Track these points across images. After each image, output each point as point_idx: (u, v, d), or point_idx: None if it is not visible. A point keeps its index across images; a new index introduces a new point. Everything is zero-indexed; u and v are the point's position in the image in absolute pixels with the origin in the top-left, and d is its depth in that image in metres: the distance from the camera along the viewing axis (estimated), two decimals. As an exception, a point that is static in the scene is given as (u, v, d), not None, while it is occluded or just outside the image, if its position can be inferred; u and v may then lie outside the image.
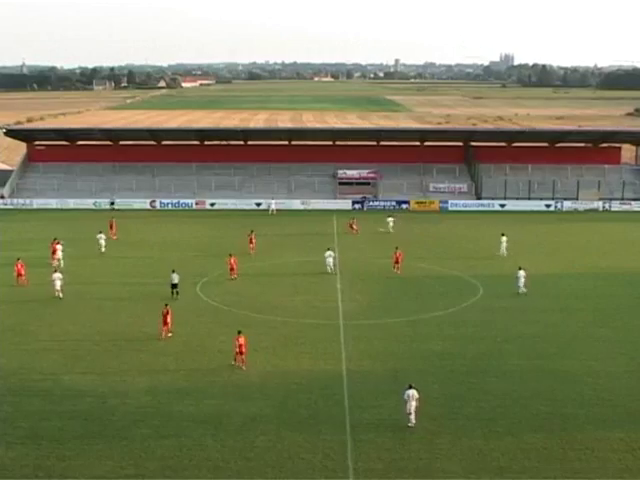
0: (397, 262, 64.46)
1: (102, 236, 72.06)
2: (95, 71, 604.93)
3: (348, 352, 45.32)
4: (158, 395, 39.13)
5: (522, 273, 58.37)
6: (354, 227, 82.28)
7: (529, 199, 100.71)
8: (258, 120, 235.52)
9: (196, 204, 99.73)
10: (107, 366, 43.10)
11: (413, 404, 35.84)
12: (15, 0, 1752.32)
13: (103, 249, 71.08)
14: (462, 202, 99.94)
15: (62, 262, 66.03)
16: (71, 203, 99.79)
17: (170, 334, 47.98)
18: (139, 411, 37.32)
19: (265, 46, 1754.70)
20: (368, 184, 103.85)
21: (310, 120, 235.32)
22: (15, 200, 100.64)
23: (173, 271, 57.63)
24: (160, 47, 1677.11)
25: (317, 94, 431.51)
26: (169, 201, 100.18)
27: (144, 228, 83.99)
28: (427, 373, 42.29)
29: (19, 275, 60.51)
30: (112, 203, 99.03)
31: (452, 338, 48.27)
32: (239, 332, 43.16)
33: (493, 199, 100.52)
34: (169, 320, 48.04)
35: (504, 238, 71.40)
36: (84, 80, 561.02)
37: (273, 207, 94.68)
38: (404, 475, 31.89)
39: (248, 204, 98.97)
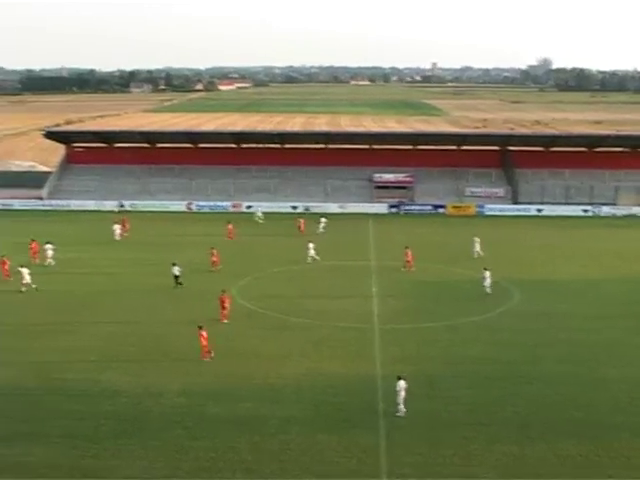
0: (408, 261, 66.18)
1: (50, 246, 69.08)
2: (133, 74, 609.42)
3: (382, 356, 45.32)
4: (192, 397, 39.39)
5: (488, 274, 58.90)
6: (302, 228, 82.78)
7: (566, 204, 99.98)
8: (295, 123, 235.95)
9: (232, 207, 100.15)
10: (142, 367, 43.46)
11: (403, 394, 37.14)
12: (56, 4, 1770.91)
13: (52, 262, 68.38)
14: (499, 207, 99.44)
15: (53, 261, 67.37)
16: (108, 205, 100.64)
17: (226, 320, 51.25)
18: (173, 412, 37.62)
19: (302, 49, 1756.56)
20: (404, 188, 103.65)
21: (347, 124, 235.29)
22: (53, 201, 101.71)
23: (174, 264, 60.86)
24: (198, 50, 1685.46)
25: (354, 97, 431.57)
26: (205, 203, 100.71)
27: (180, 230, 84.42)
28: (461, 378, 42.18)
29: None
30: (121, 206, 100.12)
31: (487, 343, 48.09)
32: (200, 327, 44.79)
33: (530, 204, 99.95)
34: (227, 305, 51.82)
35: (477, 239, 72.28)
36: (122, 83, 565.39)
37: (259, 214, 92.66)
38: (437, 480, 31.89)
39: (284, 207, 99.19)
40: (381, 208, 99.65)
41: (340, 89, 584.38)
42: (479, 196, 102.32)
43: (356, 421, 36.76)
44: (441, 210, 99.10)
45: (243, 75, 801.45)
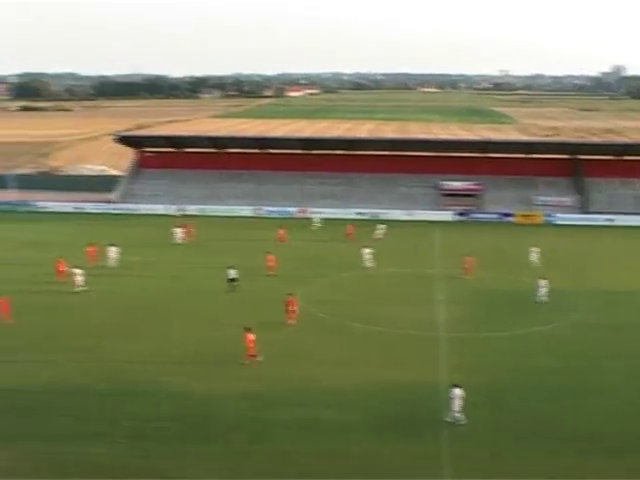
0: (467, 269, 66.31)
1: (113, 249, 70.08)
2: (203, 80, 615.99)
3: (446, 364, 45.05)
4: (255, 401, 39.64)
5: (543, 283, 58.51)
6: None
7: (637, 214, 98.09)
8: (363, 130, 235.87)
9: (299, 212, 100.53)
10: (206, 370, 43.88)
11: (458, 403, 37.11)
12: (129, 11, 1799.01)
13: (114, 262, 69.72)
14: (568, 216, 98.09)
15: (115, 263, 69.16)
16: (177, 209, 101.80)
17: (291, 322, 52.20)
18: (236, 416, 37.92)
19: (370, 56, 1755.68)
20: (472, 196, 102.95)
21: (415, 131, 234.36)
22: (124, 205, 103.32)
23: (230, 267, 61.83)
24: (268, 57, 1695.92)
25: (422, 105, 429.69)
26: (273, 209, 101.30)
27: (246, 235, 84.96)
28: (525, 388, 41.73)
29: (59, 271, 63.44)
30: (180, 210, 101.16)
31: (553, 354, 47.48)
32: (248, 329, 45.12)
33: (600, 213, 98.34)
34: (293, 308, 52.60)
35: (534, 248, 71.61)
36: (193, 89, 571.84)
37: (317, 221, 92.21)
38: (499, 491, 31.60)
39: (350, 213, 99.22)
40: (448, 216, 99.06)
41: (408, 95, 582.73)
42: (548, 205, 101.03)
43: (418, 429, 36.62)
44: (509, 219, 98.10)
45: (312, 81, 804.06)
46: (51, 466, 33.13)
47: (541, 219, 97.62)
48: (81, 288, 60.50)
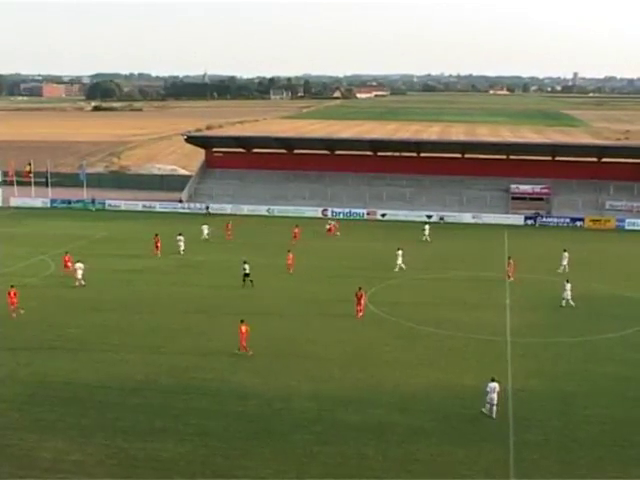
0: (510, 270, 66.46)
1: (181, 238, 75.72)
2: (273, 81, 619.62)
3: (514, 370, 44.45)
4: (321, 402, 39.55)
5: (569, 286, 58.10)
6: (332, 230, 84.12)
7: None
8: (431, 132, 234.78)
9: (367, 214, 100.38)
10: (273, 370, 43.96)
11: (494, 396, 37.68)
12: (200, 15, 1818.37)
13: (181, 251, 74.93)
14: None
15: (182, 252, 73.81)
16: (245, 209, 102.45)
17: (361, 314, 54.03)
18: (302, 416, 37.84)
19: (440, 58, 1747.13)
20: (541, 200, 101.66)
21: (484, 133, 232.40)
22: (192, 204, 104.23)
23: (245, 262, 63.18)
24: (337, 58, 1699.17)
25: (492, 107, 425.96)
26: (340, 210, 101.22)
27: (315, 236, 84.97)
28: (597, 396, 40.89)
29: (66, 267, 65.37)
30: (207, 208, 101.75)
31: (624, 361, 46.48)
32: (242, 321, 46.44)
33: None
34: (363, 302, 54.39)
35: (565, 254, 70.20)
36: (262, 90, 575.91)
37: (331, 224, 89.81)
38: (569, 500, 30.99)
39: (419, 216, 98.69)
40: (517, 219, 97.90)
41: (478, 98, 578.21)
42: (620, 210, 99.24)
43: (485, 435, 36.13)
44: (579, 223, 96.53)
45: (381, 83, 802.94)
46: (120, 461, 33.47)
47: (613, 224, 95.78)
48: (81, 282, 62.02)
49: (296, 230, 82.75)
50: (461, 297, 61.19)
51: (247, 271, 62.76)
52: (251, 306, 57.31)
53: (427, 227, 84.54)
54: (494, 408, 38.08)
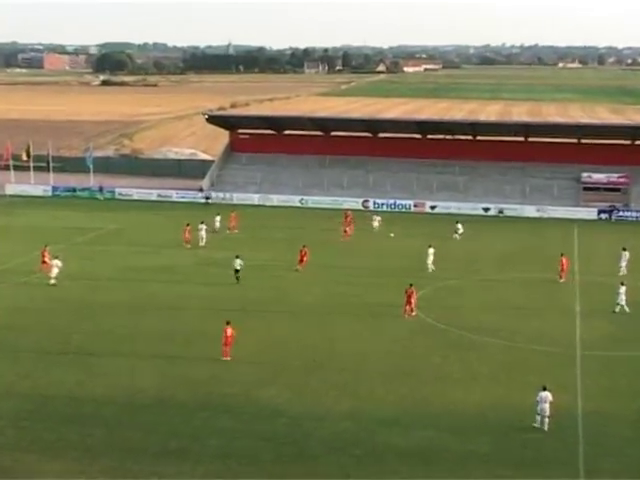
0: (562, 270, 66.82)
1: (203, 227, 78.34)
2: (307, 53, 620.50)
3: (585, 388, 44.22)
4: (360, 421, 39.56)
5: (623, 289, 58.17)
6: (347, 230, 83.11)
7: None
8: (490, 112, 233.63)
9: (414, 206, 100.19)
10: (306, 384, 44.08)
11: (546, 407, 38.48)
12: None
13: (204, 242, 77.56)
14: None
15: (204, 242, 77.15)
16: (274, 199, 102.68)
17: (414, 313, 55.97)
18: (338, 438, 37.87)
19: (501, 26, 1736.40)
20: (618, 190, 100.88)
21: (551, 113, 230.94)
22: (214, 194, 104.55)
23: (237, 257, 64.64)
24: (381, 27, 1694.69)
25: (561, 83, 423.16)
26: (384, 201, 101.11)
27: (356, 231, 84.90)
28: (681, 419, 40.58)
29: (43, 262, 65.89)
30: (207, 198, 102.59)
31: None
32: (228, 322, 47.47)
33: None
34: (413, 301, 56.05)
35: (625, 253, 70.03)
36: (294, 62, 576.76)
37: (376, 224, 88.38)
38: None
39: (474, 208, 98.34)
40: (589, 213, 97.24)
41: (544, 72, 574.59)
42: None
43: (549, 462, 35.95)
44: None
45: (432, 55, 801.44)
46: (129, 486, 33.77)
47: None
48: (54, 281, 62.75)
49: (348, 219, 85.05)
50: (522, 302, 60.95)
51: (238, 267, 64.23)
52: (279, 308, 57.67)
53: (460, 225, 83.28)
54: (546, 420, 38.50)
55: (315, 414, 40.29)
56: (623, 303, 58.08)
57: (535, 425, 38.64)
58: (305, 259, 68.87)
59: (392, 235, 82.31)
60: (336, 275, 67.84)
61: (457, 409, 41.17)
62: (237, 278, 64.37)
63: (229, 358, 47.10)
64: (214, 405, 41.21)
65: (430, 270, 68.77)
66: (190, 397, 42.12)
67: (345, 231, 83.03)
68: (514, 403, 41.83)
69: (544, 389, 39.16)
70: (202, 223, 78.29)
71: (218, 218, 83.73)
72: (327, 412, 40.53)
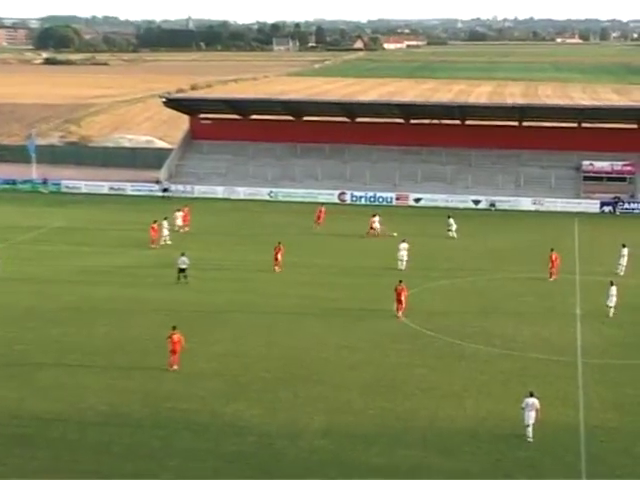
0: (552, 267, 67.71)
1: (165, 224, 78.46)
2: (276, 28, 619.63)
3: (588, 400, 44.44)
4: (337, 439, 39.58)
5: (614, 290, 58.38)
6: (373, 227, 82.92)
7: None
8: (480, 93, 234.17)
9: (397, 199, 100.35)
10: (276, 398, 44.06)
11: (532, 414, 39.09)
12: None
13: (167, 240, 77.58)
14: None
15: (169, 241, 76.74)
16: (241, 192, 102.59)
17: (400, 313, 57.14)
18: (312, 457, 37.89)
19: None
20: (623, 180, 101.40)
21: (548, 95, 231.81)
22: (173, 186, 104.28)
23: (182, 254, 65.27)
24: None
25: (559, 60, 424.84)
26: (362, 194, 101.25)
27: (331, 227, 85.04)
28: (694, 434, 40.88)
29: None
30: (165, 190, 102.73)
31: None
32: (174, 328, 47.60)
33: None
34: (404, 299, 57.39)
35: (625, 249, 70.46)
36: (262, 39, 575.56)
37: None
38: None
39: (463, 201, 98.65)
40: (590, 206, 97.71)
41: (541, 49, 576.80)
42: None
43: (550, 483, 36.21)
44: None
45: (415, 30, 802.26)
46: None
47: None
48: None
49: (322, 209, 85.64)
50: (518, 305, 61.28)
51: (183, 266, 64.64)
52: (246, 313, 57.76)
53: (452, 221, 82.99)
54: (529, 429, 39.13)
55: (287, 431, 40.28)
56: (612, 305, 58.16)
57: (529, 440, 39.02)
58: (279, 258, 69.05)
59: (395, 234, 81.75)
60: (309, 276, 67.97)
61: (445, 425, 41.29)
62: (184, 278, 64.77)
63: (177, 367, 47.14)
64: (174, 422, 41.12)
65: (401, 268, 69.05)
66: (147, 414, 42.04)
67: (317, 222, 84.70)
68: (509, 418, 41.89)
69: (531, 395, 39.67)
70: (165, 220, 78.29)
71: (179, 214, 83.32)
72: (300, 429, 40.55)
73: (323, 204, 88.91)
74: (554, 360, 50.15)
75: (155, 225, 76.47)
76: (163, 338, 51.42)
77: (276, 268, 68.69)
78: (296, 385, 45.81)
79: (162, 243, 76.55)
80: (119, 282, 65.49)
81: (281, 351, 50.95)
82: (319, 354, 50.47)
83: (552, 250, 68.58)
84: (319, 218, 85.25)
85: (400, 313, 57.14)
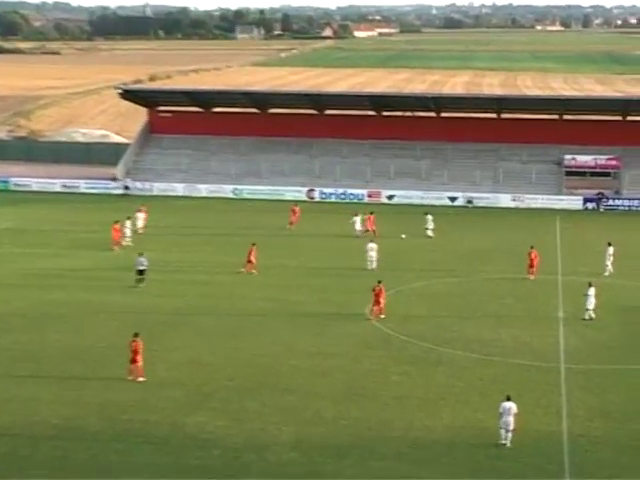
0: (532, 265, 68.19)
1: (128, 224, 78.32)
2: (239, 14, 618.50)
3: (572, 408, 44.56)
4: (307, 451, 39.52)
5: (592, 291, 58.45)
6: (371, 227, 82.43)
7: None
8: (456, 84, 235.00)
9: (368, 196, 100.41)
10: (242, 409, 43.92)
11: (510, 420, 39.40)
12: None
13: (129, 241, 77.36)
14: None
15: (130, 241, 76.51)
16: (203, 190, 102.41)
17: (383, 315, 57.57)
18: (281, 471, 37.77)
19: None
20: (607, 175, 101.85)
21: (528, 85, 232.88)
22: (131, 183, 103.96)
23: (141, 254, 65.70)
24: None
25: (539, 49, 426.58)
26: (332, 191, 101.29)
27: (299, 226, 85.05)
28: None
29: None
30: (126, 187, 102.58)
31: None
32: (136, 335, 47.53)
33: None
34: (382, 300, 57.63)
35: (610, 249, 70.64)
36: (224, 26, 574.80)
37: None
38: None
39: (439, 198, 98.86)
40: (573, 203, 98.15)
41: (520, 36, 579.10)
42: None
43: (533, 496, 36.33)
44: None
45: (387, 17, 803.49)
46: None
47: None
48: None
49: (296, 208, 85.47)
50: (497, 308, 61.50)
51: (142, 267, 64.88)
52: (209, 318, 57.69)
53: (430, 218, 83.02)
54: (509, 435, 39.26)
55: (254, 444, 40.17)
56: (591, 307, 58.27)
57: (501, 442, 39.28)
58: (253, 259, 69.12)
59: (403, 237, 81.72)
60: (277, 278, 67.97)
61: (421, 435, 41.30)
62: (141, 280, 64.87)
63: (133, 377, 46.96)
64: (133, 435, 40.92)
65: (372, 268, 69.38)
66: (104, 426, 41.78)
67: (291, 223, 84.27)
68: (488, 427, 41.86)
69: (508, 399, 39.91)
70: (128, 219, 78.16)
71: (141, 215, 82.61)
72: (268, 441, 40.43)
73: (297, 203, 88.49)
74: (535, 366, 50.31)
75: (117, 225, 75.96)
76: (120, 345, 51.31)
77: (244, 270, 68.65)
78: (263, 394, 45.73)
79: (123, 244, 76.14)
80: (73, 286, 65.22)
81: (247, 358, 50.85)
82: (288, 361, 50.42)
83: (532, 248, 68.98)
84: (294, 217, 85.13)
85: (373, 316, 57.48)
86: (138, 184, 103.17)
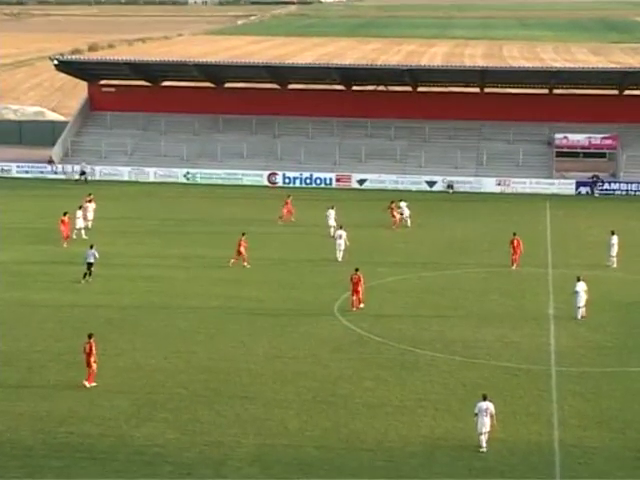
0: (515, 253, 69.19)
1: (80, 214, 77.50)
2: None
3: (564, 415, 44.76)
4: (271, 466, 39.51)
5: (581, 286, 58.35)
6: (395, 215, 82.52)
7: None
8: (434, 55, 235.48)
9: (337, 180, 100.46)
10: (195, 419, 43.87)
11: (486, 421, 39.74)
12: None
13: (81, 231, 77.11)
14: None
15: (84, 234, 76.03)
16: (151, 174, 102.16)
17: (362, 305, 59.21)
18: (244, 488, 37.95)
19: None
20: (603, 156, 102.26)
21: (514, 55, 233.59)
22: (69, 167, 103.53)
23: (91, 247, 65.84)
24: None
25: (527, 15, 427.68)
26: (297, 175, 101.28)
27: (259, 215, 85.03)
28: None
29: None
30: (83, 173, 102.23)
31: None
32: (90, 336, 47.24)
33: None
34: (361, 289, 59.09)
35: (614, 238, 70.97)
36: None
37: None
38: None
39: (416, 182, 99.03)
40: (565, 187, 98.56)
41: (505, 2, 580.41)
42: None
43: (521, 513, 36.54)
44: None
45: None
46: None
47: None
48: None
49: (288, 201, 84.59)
50: (481, 304, 61.80)
51: (92, 260, 65.09)
52: (158, 318, 57.78)
53: (404, 205, 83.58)
54: (483, 437, 39.73)
55: (210, 458, 40.12)
56: (582, 304, 58.35)
57: (482, 450, 39.57)
58: (242, 251, 69.13)
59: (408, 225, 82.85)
60: (234, 272, 67.91)
61: (397, 446, 41.36)
62: (89, 274, 64.84)
63: (95, 384, 46.93)
64: (73, 450, 40.71)
65: (339, 259, 69.82)
66: (39, 440, 41.55)
67: (281, 217, 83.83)
68: (470, 437, 41.94)
69: (484, 398, 40.22)
70: (80, 209, 77.53)
71: (91, 206, 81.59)
72: (226, 455, 40.39)
73: (289, 195, 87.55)
74: (524, 369, 50.54)
75: (65, 218, 74.63)
76: (58, 350, 51.24)
77: (232, 262, 68.97)
78: (219, 403, 45.73)
79: (75, 238, 75.58)
80: (4, 282, 64.87)
81: (201, 363, 50.86)
82: (247, 365, 50.41)
83: (514, 235, 69.49)
84: (286, 210, 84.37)
85: (356, 307, 59.09)
86: (78, 167, 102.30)
